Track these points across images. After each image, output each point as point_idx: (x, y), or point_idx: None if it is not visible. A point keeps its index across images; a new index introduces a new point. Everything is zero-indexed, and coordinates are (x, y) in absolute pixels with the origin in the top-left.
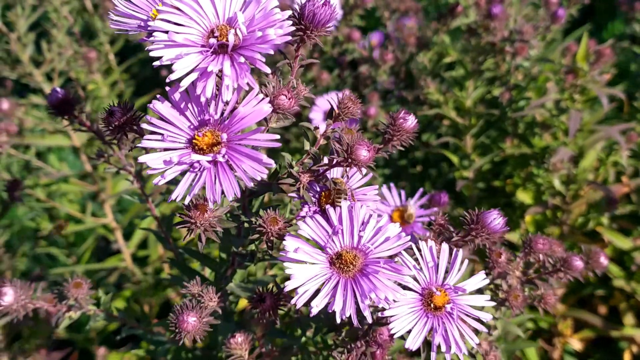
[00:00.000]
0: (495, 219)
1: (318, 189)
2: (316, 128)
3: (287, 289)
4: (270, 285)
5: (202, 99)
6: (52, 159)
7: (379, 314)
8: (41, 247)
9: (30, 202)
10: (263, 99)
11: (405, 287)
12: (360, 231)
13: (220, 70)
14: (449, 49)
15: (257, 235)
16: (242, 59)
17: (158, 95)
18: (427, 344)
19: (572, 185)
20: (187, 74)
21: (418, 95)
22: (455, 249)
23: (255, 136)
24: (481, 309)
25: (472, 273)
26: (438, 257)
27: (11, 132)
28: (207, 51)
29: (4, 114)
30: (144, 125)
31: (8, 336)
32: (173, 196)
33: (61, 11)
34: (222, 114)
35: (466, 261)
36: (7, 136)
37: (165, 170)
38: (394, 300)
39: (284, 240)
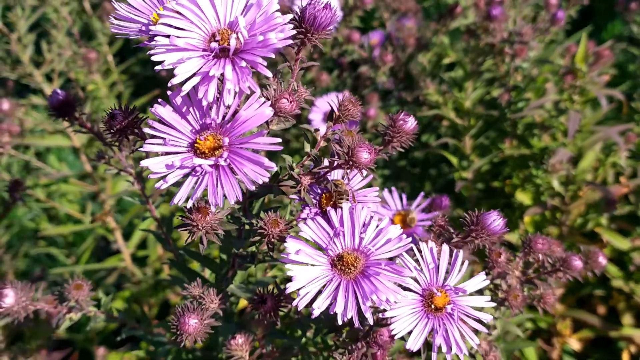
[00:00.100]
0: (495, 220)
1: (319, 191)
2: (316, 130)
3: (288, 291)
4: (271, 287)
5: (204, 103)
6: (52, 159)
7: (380, 315)
8: (41, 247)
9: (30, 203)
10: (264, 102)
11: (406, 289)
12: (361, 233)
13: (222, 74)
14: (448, 50)
15: (258, 238)
16: (243, 63)
17: (159, 100)
18: (428, 344)
19: (571, 186)
20: (189, 78)
21: (417, 96)
22: (455, 250)
23: (256, 140)
24: (481, 309)
25: (471, 274)
26: (438, 258)
27: (14, 133)
28: (209, 55)
29: (4, 114)
30: (146, 129)
31: (9, 337)
32: (175, 200)
33: (61, 12)
34: (224, 117)
35: (466, 262)
36: (10, 137)
37: (168, 174)
38: (395, 302)
39: (285, 242)
